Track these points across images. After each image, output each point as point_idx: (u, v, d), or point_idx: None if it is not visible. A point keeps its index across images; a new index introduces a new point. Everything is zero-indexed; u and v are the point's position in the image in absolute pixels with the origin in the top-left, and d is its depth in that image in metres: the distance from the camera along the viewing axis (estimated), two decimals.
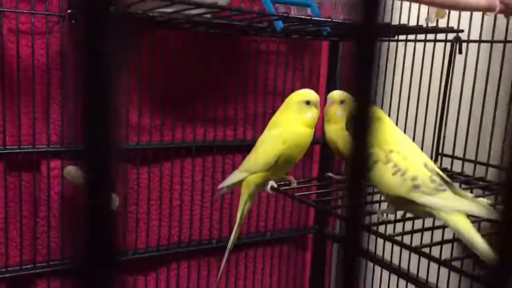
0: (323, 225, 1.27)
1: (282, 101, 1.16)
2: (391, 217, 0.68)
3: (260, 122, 1.16)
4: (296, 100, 0.82)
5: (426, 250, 0.65)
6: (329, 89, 1.20)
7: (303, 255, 1.30)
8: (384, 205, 0.71)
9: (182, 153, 1.09)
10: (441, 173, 0.66)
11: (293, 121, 0.80)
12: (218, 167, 1.14)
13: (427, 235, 0.88)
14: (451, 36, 0.94)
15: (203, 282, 1.18)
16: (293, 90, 1.15)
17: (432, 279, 0.96)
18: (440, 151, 0.97)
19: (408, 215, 0.70)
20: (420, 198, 0.62)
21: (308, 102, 0.81)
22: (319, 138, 1.14)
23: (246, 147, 1.16)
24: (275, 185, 0.83)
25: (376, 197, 0.75)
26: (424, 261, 0.94)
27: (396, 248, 0.98)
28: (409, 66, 1.00)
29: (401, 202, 0.66)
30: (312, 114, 0.81)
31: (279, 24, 0.81)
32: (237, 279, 1.22)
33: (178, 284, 1.14)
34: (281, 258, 1.27)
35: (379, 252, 1.08)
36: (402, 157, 0.66)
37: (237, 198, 1.17)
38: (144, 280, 1.10)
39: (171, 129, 1.07)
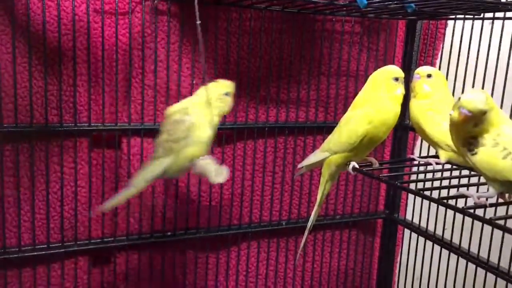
0: (394, 210, 1.24)
1: (356, 83, 1.15)
2: (490, 200, 0.65)
3: (333, 104, 1.15)
4: (385, 77, 0.79)
5: None
6: (405, 70, 1.16)
7: (372, 240, 1.28)
8: (483, 189, 0.68)
9: (255, 134, 1.09)
10: None
11: (382, 99, 0.78)
12: (289, 148, 1.14)
13: None
14: None
15: (272, 262, 1.19)
16: (366, 72, 1.14)
17: None
18: None
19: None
20: None
21: (397, 79, 0.79)
22: None
23: (318, 129, 1.15)
24: (357, 166, 0.81)
25: (474, 180, 0.72)
26: None
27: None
28: (496, 46, 0.95)
29: (507, 187, 0.63)
30: (401, 90, 0.79)
31: (363, 0, 0.79)
32: (305, 261, 1.22)
33: (248, 263, 1.16)
34: (349, 242, 1.26)
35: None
36: (511, 139, 0.63)
37: (307, 180, 1.17)
38: (216, 258, 1.12)
39: (244, 110, 1.07)
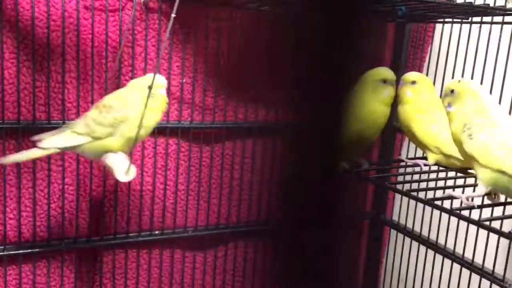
0: (380, 211, 1.25)
1: None
2: (477, 202, 0.66)
3: None
4: (373, 79, 0.80)
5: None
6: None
7: (358, 241, 1.29)
8: (468, 191, 0.69)
9: (244, 134, 1.10)
10: None
11: (370, 100, 0.79)
12: (278, 149, 1.14)
13: None
14: None
15: (259, 262, 1.19)
16: None
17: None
18: None
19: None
20: None
21: (384, 81, 0.79)
22: None
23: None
24: (347, 167, 0.82)
25: (459, 182, 0.74)
26: None
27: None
28: (483, 50, 0.96)
29: (497, 180, 0.64)
30: (389, 92, 0.79)
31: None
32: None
33: (235, 263, 1.16)
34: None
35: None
36: (506, 131, 0.64)
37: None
38: (203, 257, 1.12)
39: (234, 109, 1.07)
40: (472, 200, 0.66)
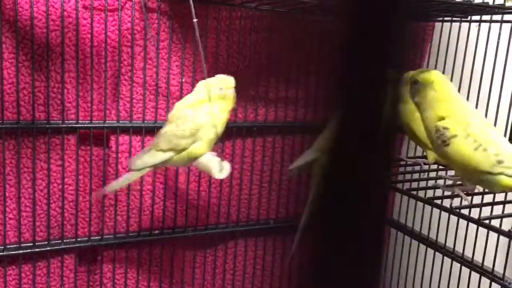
0: None
1: None
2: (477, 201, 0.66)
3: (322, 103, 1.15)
4: None
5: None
6: None
7: None
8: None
9: (243, 133, 1.10)
10: None
11: None
12: (278, 148, 1.14)
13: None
14: None
15: (259, 261, 1.19)
16: None
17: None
18: None
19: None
20: (508, 171, 0.62)
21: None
22: None
23: (306, 129, 1.15)
24: None
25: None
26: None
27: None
28: (483, 48, 0.96)
29: (477, 178, 0.65)
30: None
31: None
32: (293, 260, 1.23)
33: (235, 262, 1.16)
34: None
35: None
36: (481, 131, 0.65)
37: (296, 179, 1.17)
38: (203, 257, 1.12)
39: (233, 108, 1.07)
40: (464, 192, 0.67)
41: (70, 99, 0.93)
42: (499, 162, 0.63)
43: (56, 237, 0.96)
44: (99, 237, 1.00)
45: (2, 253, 0.91)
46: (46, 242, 0.95)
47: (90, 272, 1.02)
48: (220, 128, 0.81)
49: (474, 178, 0.65)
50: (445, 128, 0.66)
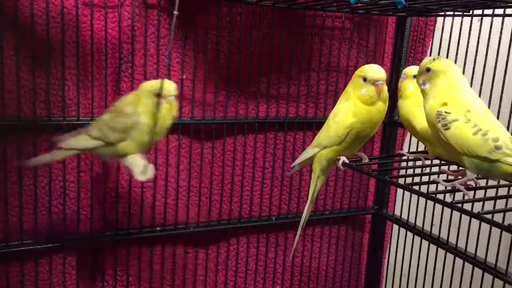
0: (382, 206, 1.25)
1: (345, 78, 1.15)
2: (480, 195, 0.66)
3: (323, 99, 1.15)
4: (356, 75, 0.80)
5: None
6: (394, 67, 1.17)
7: (361, 236, 1.29)
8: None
9: (245, 129, 1.09)
10: None
11: (352, 97, 0.80)
12: (280, 144, 1.14)
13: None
14: None
15: (261, 257, 1.19)
16: (356, 68, 1.14)
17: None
18: None
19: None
20: (505, 158, 0.62)
21: (365, 79, 0.78)
22: None
23: (308, 124, 1.15)
24: (347, 161, 0.82)
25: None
26: None
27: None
28: (485, 42, 0.95)
29: (479, 165, 0.64)
30: (367, 91, 0.78)
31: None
32: (295, 256, 1.23)
33: (237, 259, 1.16)
34: (338, 237, 1.26)
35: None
36: (481, 117, 0.65)
37: (297, 175, 1.17)
38: (205, 253, 1.12)
39: (234, 105, 1.07)
40: (464, 184, 0.67)
41: (70, 96, 0.93)
42: (497, 148, 0.63)
43: (58, 234, 0.97)
44: (101, 234, 1.00)
45: (4, 250, 0.92)
46: (48, 239, 0.95)
47: (92, 269, 1.02)
48: (157, 135, 0.79)
49: (472, 164, 0.65)
50: (447, 112, 0.66)
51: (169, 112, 0.79)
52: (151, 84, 0.79)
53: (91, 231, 0.99)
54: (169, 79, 0.98)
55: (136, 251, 1.05)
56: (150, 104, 0.77)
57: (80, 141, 0.80)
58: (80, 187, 0.96)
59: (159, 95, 0.77)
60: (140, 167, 0.77)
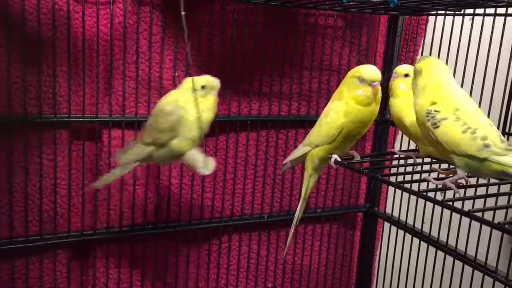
0: (374, 204, 1.25)
1: (338, 77, 1.15)
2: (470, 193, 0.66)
3: (315, 98, 1.15)
4: (351, 75, 0.80)
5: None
6: (386, 66, 1.18)
7: (352, 234, 1.30)
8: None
9: (237, 127, 1.09)
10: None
11: (348, 96, 0.80)
12: (272, 142, 1.14)
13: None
14: None
15: (253, 255, 1.19)
16: (348, 67, 1.14)
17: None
18: (506, 130, 0.94)
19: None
20: (493, 157, 0.63)
21: (362, 80, 0.78)
22: None
23: (300, 123, 1.15)
24: (339, 159, 0.82)
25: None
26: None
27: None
28: (476, 41, 0.96)
29: (468, 163, 0.65)
30: (364, 92, 0.78)
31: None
32: (287, 254, 1.23)
33: (229, 256, 1.16)
34: (330, 235, 1.27)
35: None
36: (470, 115, 0.66)
37: (289, 173, 1.17)
38: (197, 251, 1.12)
39: (227, 103, 1.07)
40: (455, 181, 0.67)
41: (62, 93, 0.92)
42: (486, 146, 0.63)
43: (49, 232, 0.96)
44: (92, 232, 0.99)
45: None
46: (39, 237, 0.95)
47: (83, 267, 1.02)
48: (203, 128, 0.80)
49: (462, 162, 0.65)
50: (436, 111, 0.67)
51: (213, 106, 0.81)
52: (196, 80, 0.80)
53: (82, 229, 0.99)
54: (161, 76, 0.98)
55: (127, 248, 1.04)
56: (193, 99, 0.78)
57: (136, 151, 0.81)
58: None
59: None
60: (200, 162, 0.80)
